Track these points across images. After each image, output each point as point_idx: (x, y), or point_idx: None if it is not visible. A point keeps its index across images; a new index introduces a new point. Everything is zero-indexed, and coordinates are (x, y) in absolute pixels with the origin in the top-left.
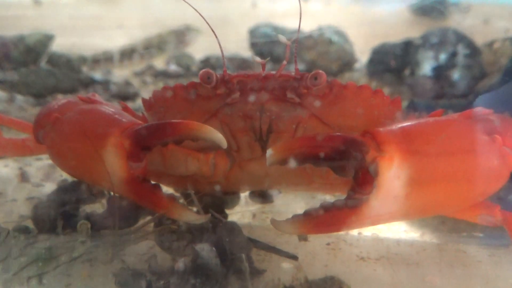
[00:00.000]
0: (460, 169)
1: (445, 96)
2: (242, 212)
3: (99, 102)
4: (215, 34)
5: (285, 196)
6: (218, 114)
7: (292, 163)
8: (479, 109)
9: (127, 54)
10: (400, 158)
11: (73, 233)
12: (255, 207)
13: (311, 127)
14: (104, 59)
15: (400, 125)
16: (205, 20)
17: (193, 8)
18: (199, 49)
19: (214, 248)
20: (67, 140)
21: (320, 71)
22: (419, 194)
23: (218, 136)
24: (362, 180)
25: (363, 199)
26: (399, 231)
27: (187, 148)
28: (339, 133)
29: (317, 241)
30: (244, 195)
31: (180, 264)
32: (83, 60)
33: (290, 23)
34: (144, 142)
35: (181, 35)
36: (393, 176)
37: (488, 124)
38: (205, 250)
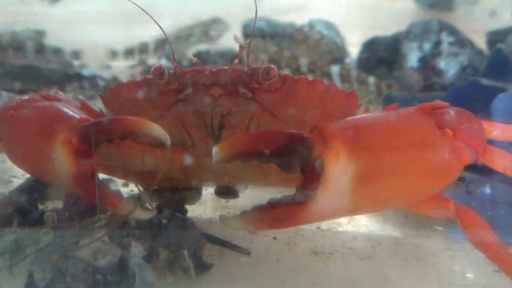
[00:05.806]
0: (408, 163)
1: (432, 87)
2: (205, 207)
3: (59, 99)
4: (160, 28)
5: (252, 191)
6: (171, 110)
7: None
8: (435, 103)
9: (160, 45)
10: (346, 153)
11: (30, 228)
12: (219, 202)
13: (264, 122)
14: (139, 49)
15: (349, 120)
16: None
17: None
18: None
19: (141, 249)
20: (19, 137)
21: (272, 65)
22: (367, 189)
23: (160, 133)
24: (310, 176)
25: (310, 194)
26: (359, 225)
27: (144, 144)
28: (284, 129)
29: (274, 236)
30: (210, 191)
31: (103, 260)
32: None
33: (295, 18)
34: (90, 138)
35: (207, 28)
36: (339, 171)
37: (441, 117)
38: (132, 248)
